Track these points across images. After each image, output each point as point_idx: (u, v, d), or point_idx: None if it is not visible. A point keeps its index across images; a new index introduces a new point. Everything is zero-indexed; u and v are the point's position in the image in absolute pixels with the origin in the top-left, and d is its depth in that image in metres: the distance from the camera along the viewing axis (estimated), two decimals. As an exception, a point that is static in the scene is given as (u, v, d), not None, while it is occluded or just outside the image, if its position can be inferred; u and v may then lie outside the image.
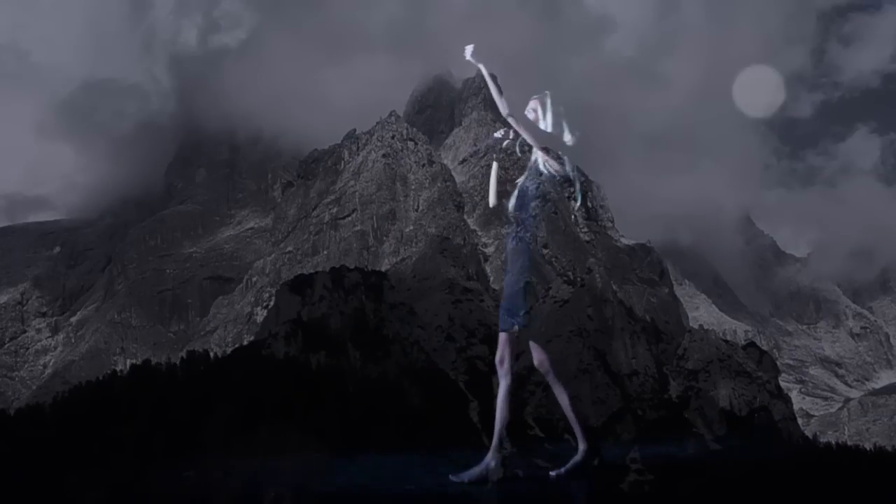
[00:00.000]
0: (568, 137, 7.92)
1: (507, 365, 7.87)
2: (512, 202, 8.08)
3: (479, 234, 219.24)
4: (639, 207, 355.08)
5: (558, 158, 7.87)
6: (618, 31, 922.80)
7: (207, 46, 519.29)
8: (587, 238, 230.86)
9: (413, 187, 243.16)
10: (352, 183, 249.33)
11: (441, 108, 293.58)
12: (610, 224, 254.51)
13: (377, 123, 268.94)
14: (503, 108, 7.66)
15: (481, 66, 8.05)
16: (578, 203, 8.83)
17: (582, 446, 7.89)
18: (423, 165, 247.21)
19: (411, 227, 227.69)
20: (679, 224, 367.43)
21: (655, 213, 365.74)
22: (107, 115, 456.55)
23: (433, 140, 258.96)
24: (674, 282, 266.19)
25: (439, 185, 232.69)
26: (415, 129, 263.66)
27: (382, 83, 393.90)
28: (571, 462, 7.91)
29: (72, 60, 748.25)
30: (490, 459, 7.78)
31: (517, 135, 8.00)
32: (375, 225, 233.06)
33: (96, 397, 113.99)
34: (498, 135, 8.21)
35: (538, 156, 7.96)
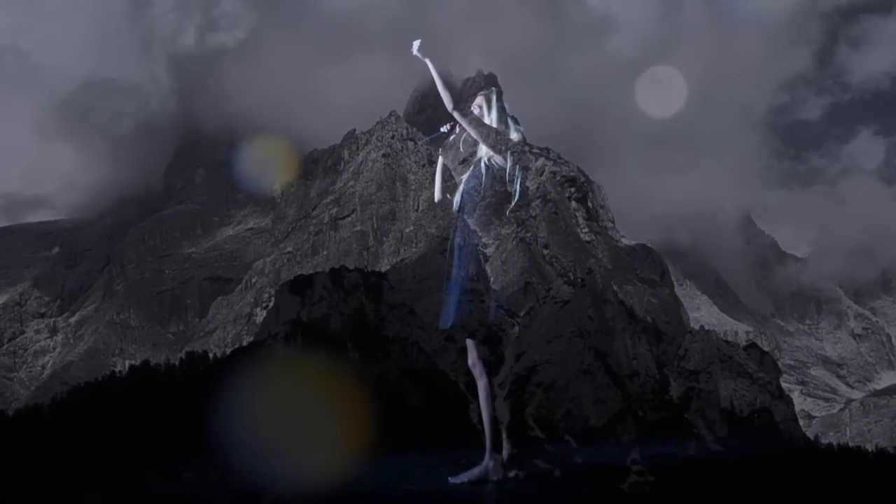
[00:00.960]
0: (514, 135, 7.79)
1: (479, 367, 7.86)
2: (456, 199, 7.99)
3: (480, 234, 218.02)
4: (640, 208, 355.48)
5: (502, 154, 7.71)
6: (620, 31, 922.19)
7: (207, 46, 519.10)
8: (588, 238, 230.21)
9: (413, 187, 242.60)
10: (351, 183, 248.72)
11: (441, 107, 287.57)
12: (611, 224, 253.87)
13: (377, 123, 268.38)
14: (448, 102, 7.69)
15: (428, 61, 7.99)
16: (514, 202, 7.90)
17: (488, 461, 7.73)
18: (424, 165, 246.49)
19: (411, 228, 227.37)
20: (680, 224, 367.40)
21: (656, 214, 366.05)
22: (106, 115, 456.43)
23: (434, 139, 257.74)
24: (674, 282, 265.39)
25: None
26: (415, 128, 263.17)
27: (382, 82, 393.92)
28: (473, 472, 7.79)
29: (71, 60, 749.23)
30: (488, 460, 7.68)
31: (463, 130, 7.91)
32: (375, 225, 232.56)
33: (95, 398, 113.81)
34: (443, 129, 8.16)
35: (482, 152, 7.83)
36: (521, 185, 7.78)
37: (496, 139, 7.72)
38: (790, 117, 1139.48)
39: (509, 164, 7.72)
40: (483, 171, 7.80)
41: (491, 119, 7.86)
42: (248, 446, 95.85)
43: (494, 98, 7.97)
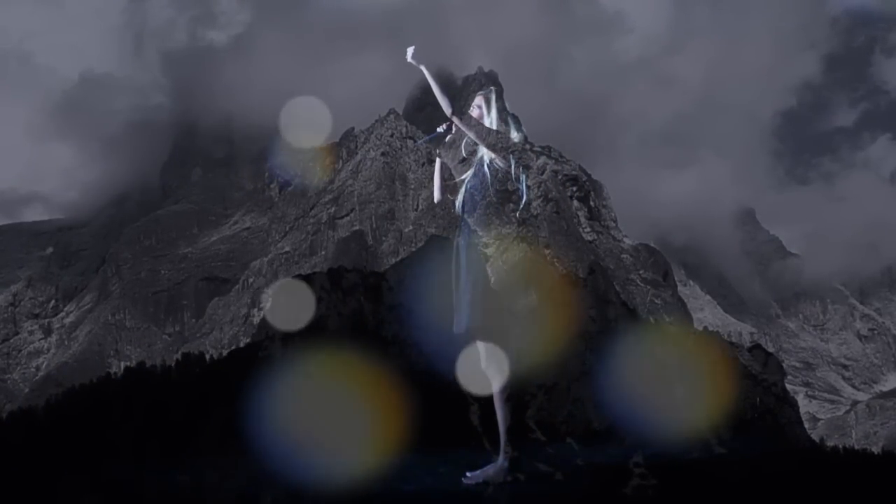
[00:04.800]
0: (515, 135, 7.65)
1: (492, 367, 7.63)
2: (459, 200, 7.80)
3: (480, 234, 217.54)
4: (643, 207, 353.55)
5: (504, 156, 7.54)
6: (628, 28, 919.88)
7: (203, 43, 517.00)
8: (590, 238, 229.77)
9: (412, 186, 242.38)
10: (350, 182, 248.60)
11: (441, 105, 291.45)
12: (613, 224, 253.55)
13: (376, 121, 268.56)
14: (446, 107, 7.52)
15: (423, 68, 7.73)
16: (523, 203, 7.71)
17: (503, 461, 7.51)
18: (423, 164, 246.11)
19: (411, 227, 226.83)
20: (683, 224, 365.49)
21: (659, 214, 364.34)
22: (102, 114, 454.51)
23: (431, 140, 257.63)
24: (678, 283, 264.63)
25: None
26: (414, 126, 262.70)
27: (381, 79, 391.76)
28: (488, 470, 7.56)
29: (69, 58, 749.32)
30: (503, 461, 7.51)
31: (460, 132, 7.72)
32: (374, 225, 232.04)
33: (90, 400, 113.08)
34: (441, 129, 7.95)
35: (483, 153, 7.63)
36: (524, 185, 7.62)
37: (496, 140, 7.54)
38: (800, 121, 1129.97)
39: (513, 166, 7.54)
40: (486, 171, 7.59)
41: (491, 119, 7.67)
42: (244, 449, 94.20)
43: (494, 97, 7.78)
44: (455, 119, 7.53)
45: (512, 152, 7.54)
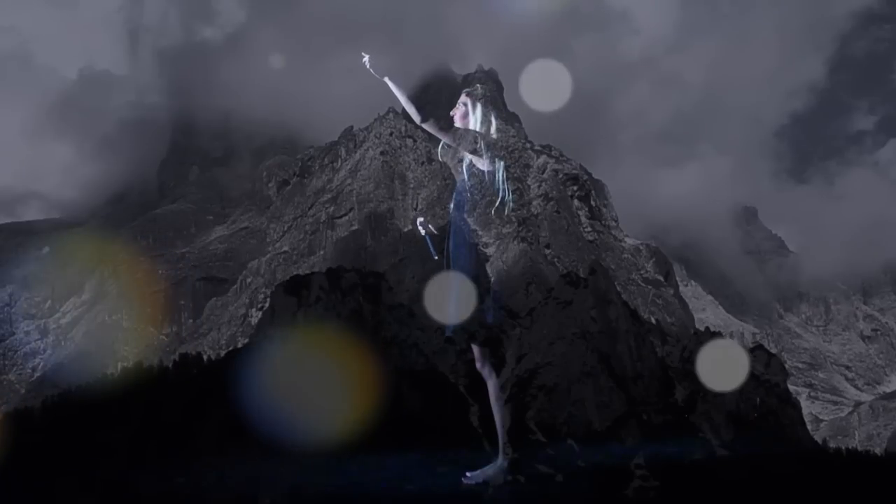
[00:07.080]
0: (493, 132, 7.67)
1: (486, 368, 7.67)
2: (452, 204, 7.91)
3: (480, 233, 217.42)
4: (643, 206, 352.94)
5: (480, 155, 7.55)
6: (634, 30, 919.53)
7: (200, 41, 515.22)
8: (591, 238, 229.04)
9: (412, 185, 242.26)
10: (349, 181, 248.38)
11: (441, 104, 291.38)
12: (614, 223, 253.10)
13: (375, 120, 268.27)
14: (415, 116, 7.56)
15: (387, 80, 7.73)
16: (498, 203, 7.66)
17: (502, 461, 7.57)
18: (423, 163, 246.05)
19: (410, 227, 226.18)
20: (685, 224, 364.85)
21: (661, 213, 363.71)
22: (99, 113, 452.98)
23: (432, 137, 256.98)
24: (679, 282, 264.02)
25: (439, 183, 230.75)
26: (413, 125, 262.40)
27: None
28: (487, 471, 7.59)
29: (68, 56, 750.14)
30: (503, 461, 7.56)
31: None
32: (373, 224, 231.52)
33: (87, 401, 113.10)
34: (421, 229, 8.06)
35: (464, 156, 7.69)
36: (503, 185, 7.56)
37: (473, 142, 7.53)
38: (804, 123, 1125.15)
39: (486, 165, 7.54)
40: (465, 173, 7.68)
41: (476, 118, 7.68)
42: (242, 450, 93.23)
43: (480, 95, 7.79)
44: (426, 125, 7.45)
45: (489, 152, 7.44)
